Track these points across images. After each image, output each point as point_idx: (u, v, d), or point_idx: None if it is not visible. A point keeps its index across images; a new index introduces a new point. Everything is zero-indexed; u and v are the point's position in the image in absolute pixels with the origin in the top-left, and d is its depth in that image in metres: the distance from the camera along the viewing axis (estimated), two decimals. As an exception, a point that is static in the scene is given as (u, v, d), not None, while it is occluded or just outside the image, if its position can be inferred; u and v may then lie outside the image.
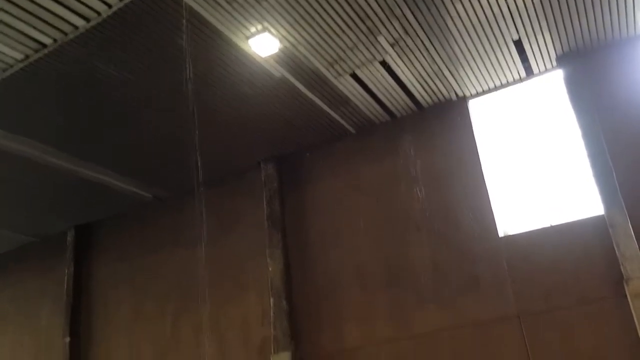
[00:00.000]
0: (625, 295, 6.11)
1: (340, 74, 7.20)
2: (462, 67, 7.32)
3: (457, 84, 7.68)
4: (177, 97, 6.72)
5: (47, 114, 7.46)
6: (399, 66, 7.16)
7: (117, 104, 7.35)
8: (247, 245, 8.96)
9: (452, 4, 6.20)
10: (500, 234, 7.14)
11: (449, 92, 7.86)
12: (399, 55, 6.96)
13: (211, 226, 9.04)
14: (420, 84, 7.60)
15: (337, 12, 6.14)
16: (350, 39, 6.60)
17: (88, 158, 8.55)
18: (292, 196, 8.80)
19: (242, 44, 6.47)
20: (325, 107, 7.88)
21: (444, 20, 6.45)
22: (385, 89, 7.62)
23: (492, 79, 7.66)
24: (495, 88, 7.86)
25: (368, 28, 6.43)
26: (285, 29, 6.32)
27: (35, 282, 11.19)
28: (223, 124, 7.97)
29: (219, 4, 5.86)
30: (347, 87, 7.48)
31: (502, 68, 7.45)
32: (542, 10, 6.46)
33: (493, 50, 7.08)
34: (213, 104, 7.50)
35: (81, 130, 7.90)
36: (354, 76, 7.26)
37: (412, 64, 7.12)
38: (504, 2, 6.27)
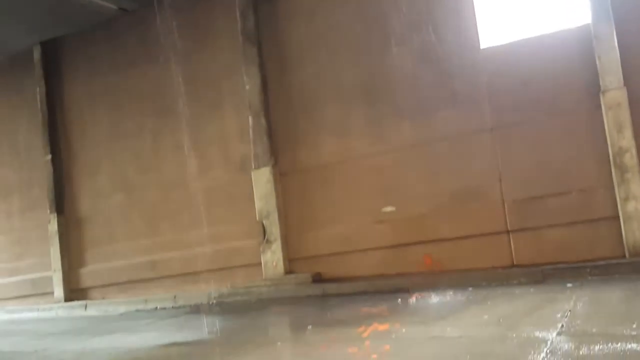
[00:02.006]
0: (600, 108, 6.17)
1: None
2: None
3: None
4: None
5: None
6: None
7: None
8: (222, 62, 8.67)
9: None
10: (483, 46, 6.93)
11: None
12: None
13: (183, 42, 8.65)
14: None
15: None
16: None
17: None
18: (267, 8, 8.26)
19: None
20: None
21: None
22: None
23: None
24: None
25: None
26: None
27: (7, 102, 10.98)
28: None
29: None
30: None
31: None
32: None
33: None
34: None
35: None
36: None
37: None
38: None
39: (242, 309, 6.97)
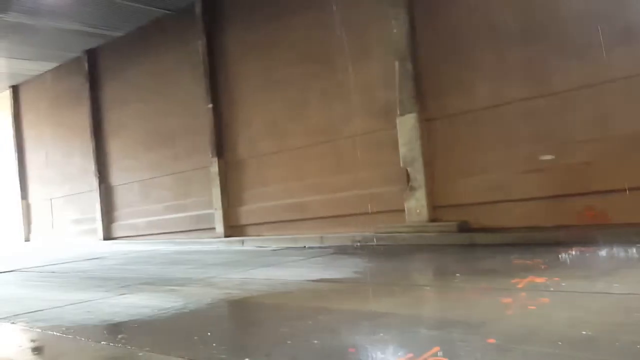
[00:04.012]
0: None
1: None
2: None
3: None
4: None
5: None
6: None
7: None
8: (370, 7, 8.55)
9: None
10: (670, -29, 5.97)
11: None
12: None
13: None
14: None
15: None
16: None
17: None
18: (417, -53, 7.92)
19: None
20: None
21: None
22: None
23: None
24: None
25: None
26: None
27: (172, 55, 12.01)
28: None
29: None
30: None
31: None
32: None
33: None
34: None
35: None
36: None
37: None
38: None
39: (385, 253, 7.07)
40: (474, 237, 6.95)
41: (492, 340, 2.72)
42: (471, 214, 7.44)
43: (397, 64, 8.07)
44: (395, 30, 8.06)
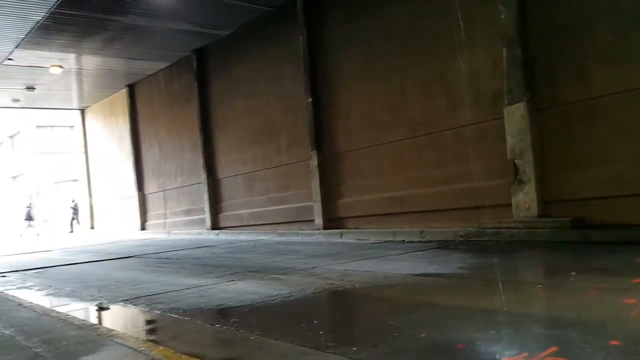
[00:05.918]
0: None
1: None
2: None
3: None
4: None
5: None
6: None
7: None
8: (475, -8, 8.24)
9: None
10: None
11: None
12: None
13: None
14: None
15: None
16: None
17: None
18: None
19: None
20: None
21: None
22: None
23: None
24: None
25: None
26: None
27: (274, 51, 12.35)
28: None
29: None
30: None
31: None
32: None
33: None
34: None
35: None
36: None
37: None
38: None
39: (490, 249, 6.80)
40: (589, 234, 6.48)
41: (615, 342, 2.54)
42: (586, 210, 6.94)
43: (505, 50, 7.70)
44: (503, 16, 7.68)
